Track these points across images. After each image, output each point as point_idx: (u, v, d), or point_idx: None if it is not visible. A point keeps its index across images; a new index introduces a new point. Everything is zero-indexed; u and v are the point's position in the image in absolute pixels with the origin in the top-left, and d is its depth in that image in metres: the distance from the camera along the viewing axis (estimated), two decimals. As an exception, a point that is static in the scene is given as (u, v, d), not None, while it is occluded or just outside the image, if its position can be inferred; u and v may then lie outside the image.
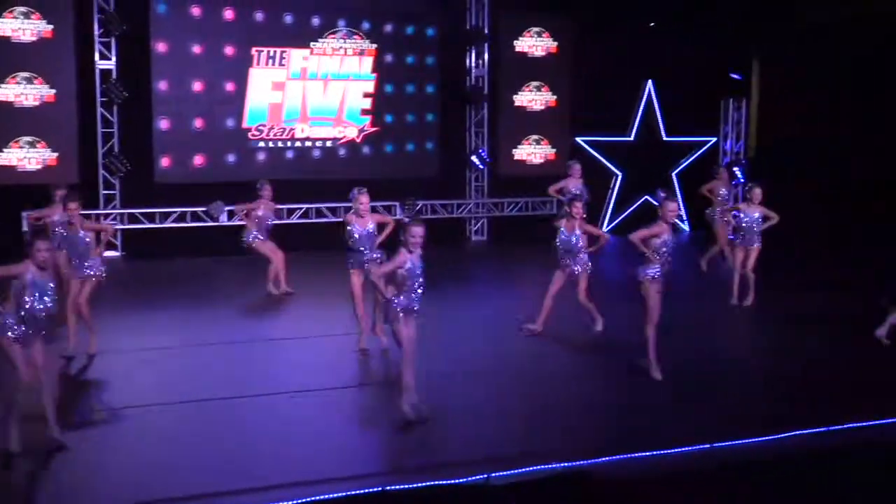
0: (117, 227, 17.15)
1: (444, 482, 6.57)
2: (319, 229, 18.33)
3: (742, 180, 18.64)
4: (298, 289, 14.29)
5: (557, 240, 11.42)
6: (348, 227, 10.35)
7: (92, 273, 10.32)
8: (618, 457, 7.19)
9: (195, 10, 17.73)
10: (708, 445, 7.46)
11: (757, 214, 13.12)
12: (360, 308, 10.46)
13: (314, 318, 12.35)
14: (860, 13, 18.50)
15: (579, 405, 8.74)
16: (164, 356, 10.25)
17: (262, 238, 13.89)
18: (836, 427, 7.86)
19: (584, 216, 11.41)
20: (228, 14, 18.03)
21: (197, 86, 17.94)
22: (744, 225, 13.12)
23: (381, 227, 10.64)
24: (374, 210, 10.72)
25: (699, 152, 21.56)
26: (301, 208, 18.54)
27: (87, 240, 10.26)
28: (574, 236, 11.34)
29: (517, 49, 20.51)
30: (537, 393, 9.07)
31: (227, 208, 16.80)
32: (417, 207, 18.11)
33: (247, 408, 8.53)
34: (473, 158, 20.00)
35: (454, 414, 8.37)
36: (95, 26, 16.96)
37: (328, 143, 19.03)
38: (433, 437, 7.84)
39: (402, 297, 8.20)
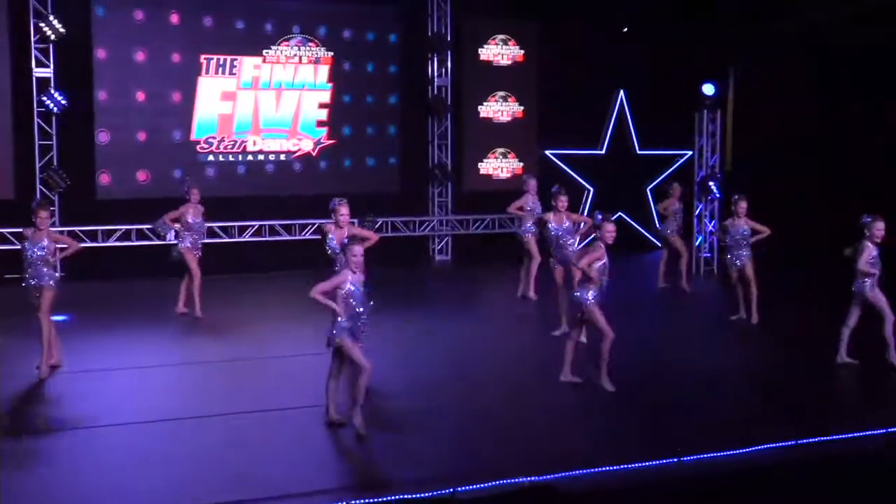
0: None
1: (411, 496, 6.92)
2: (273, 248, 18.55)
3: (718, 195, 18.86)
4: (249, 310, 14.51)
5: (549, 232, 13.00)
6: (328, 237, 10.64)
7: (41, 284, 10.47)
8: (584, 471, 7.55)
9: (138, 14, 17.76)
10: (676, 459, 7.85)
11: (744, 228, 13.56)
12: None
13: (271, 339, 12.63)
14: (837, 18, 19.21)
15: (545, 419, 9.17)
16: (112, 377, 10.54)
17: (191, 247, 13.88)
18: (804, 441, 8.37)
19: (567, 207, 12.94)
20: (174, 18, 18.12)
21: (141, 95, 18.04)
22: (734, 240, 13.59)
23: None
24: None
25: (674, 167, 21.88)
26: (253, 226, 18.71)
27: (42, 252, 10.42)
28: (562, 229, 12.89)
29: (482, 57, 20.79)
30: (503, 407, 9.54)
31: (176, 226, 17.03)
32: (377, 224, 18.02)
33: (198, 428, 8.82)
34: (435, 171, 19.86)
35: (420, 429, 8.80)
36: (32, 31, 16.96)
37: (282, 157, 19.20)
38: (399, 452, 8.21)
39: (344, 320, 8.50)
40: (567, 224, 13.12)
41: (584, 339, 11.16)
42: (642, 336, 12.55)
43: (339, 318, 8.50)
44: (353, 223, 10.51)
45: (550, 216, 13.17)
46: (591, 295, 9.94)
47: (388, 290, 12.42)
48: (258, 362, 11.29)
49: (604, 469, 7.58)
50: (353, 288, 8.52)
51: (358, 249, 8.55)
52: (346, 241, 8.89)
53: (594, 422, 9.14)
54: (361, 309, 8.55)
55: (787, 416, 9.12)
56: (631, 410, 9.39)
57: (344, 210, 10.56)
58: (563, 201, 13.17)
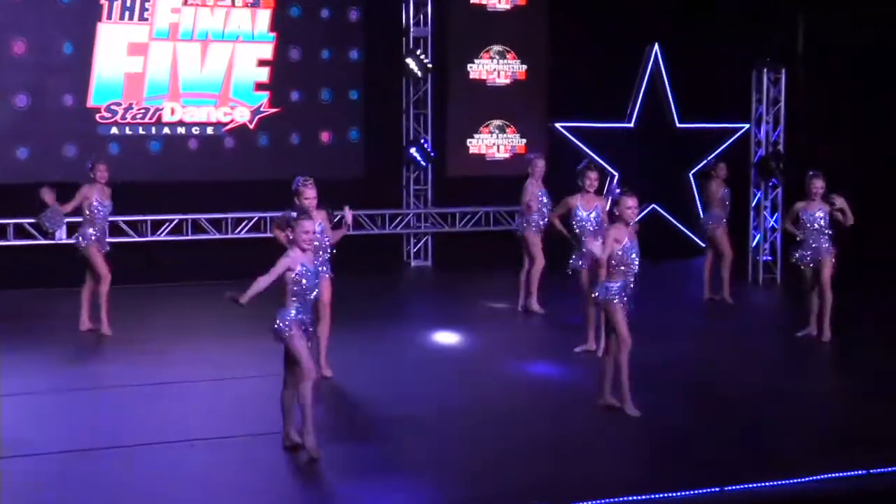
0: None
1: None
2: (198, 250, 18.58)
3: (776, 181, 18.94)
4: (164, 328, 14.91)
5: (574, 220, 13.46)
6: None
7: None
8: (615, 499, 8.35)
9: (15, -61, 17.93)
10: (718, 489, 8.64)
11: (820, 213, 13.83)
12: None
13: (196, 360, 13.15)
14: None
15: (568, 444, 10.02)
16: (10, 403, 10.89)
17: (96, 241, 14.24)
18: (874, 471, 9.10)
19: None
20: (65, -55, 18.26)
21: (19, 46, 17.88)
22: (808, 230, 13.88)
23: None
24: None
25: (726, 144, 21.76)
26: (172, 220, 18.66)
27: None
28: (594, 213, 13.37)
29: (473, 0, 20.70)
30: (517, 432, 10.36)
31: (68, 219, 16.51)
32: (336, 219, 18.08)
33: (122, 459, 9.50)
34: (413, 152, 20.19)
35: (427, 459, 9.68)
36: None
37: (209, 130, 19.17)
38: (401, 481, 9.06)
39: (292, 309, 9.25)
40: (596, 210, 13.43)
41: (580, 349, 12.53)
42: (683, 352, 13.41)
43: (288, 307, 9.22)
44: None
45: (577, 200, 13.45)
46: (613, 288, 10.43)
47: (348, 306, 13.32)
48: (187, 386, 12.02)
49: (636, 498, 8.38)
50: (303, 268, 9.24)
51: (308, 225, 9.30)
52: (319, 231, 10.12)
53: (624, 447, 10.04)
54: (313, 295, 9.40)
55: (849, 447, 9.88)
56: (668, 436, 10.26)
57: (311, 192, 11.16)
58: (593, 179, 13.48)
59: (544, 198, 15.51)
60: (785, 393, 11.72)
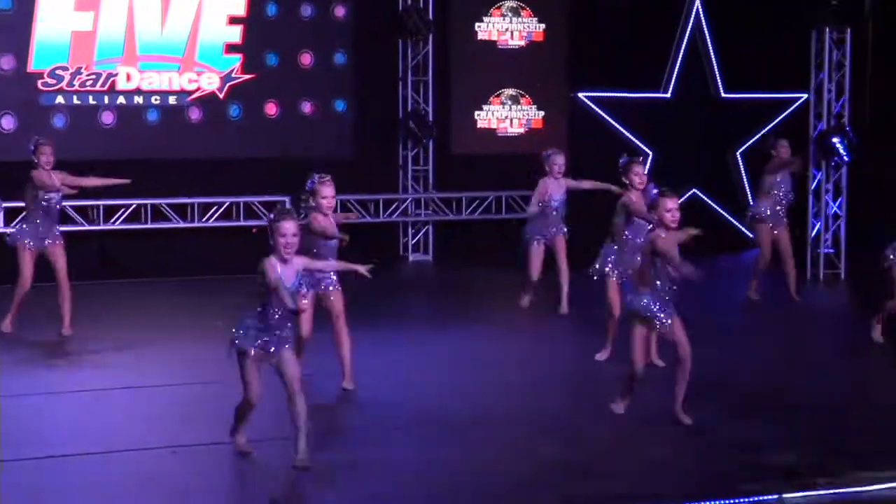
0: None
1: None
2: (159, 240, 18.76)
3: (846, 157, 18.93)
4: (122, 328, 15.00)
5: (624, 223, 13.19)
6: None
7: None
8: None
9: None
10: (777, 496, 8.97)
11: None
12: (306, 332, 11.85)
13: (157, 363, 13.44)
14: None
15: (600, 452, 10.42)
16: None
17: (32, 238, 14.40)
18: None
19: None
20: None
21: None
22: None
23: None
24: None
25: (780, 117, 21.73)
26: (128, 206, 18.66)
27: None
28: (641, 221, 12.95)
29: None
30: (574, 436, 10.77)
31: (5, 204, 17.00)
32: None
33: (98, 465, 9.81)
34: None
35: (437, 466, 9.99)
36: None
37: (171, 100, 19.20)
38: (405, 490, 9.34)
39: (252, 328, 9.40)
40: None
41: (659, 361, 12.45)
42: (728, 358, 13.51)
43: (246, 321, 9.38)
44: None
45: (632, 196, 13.01)
46: (645, 301, 10.69)
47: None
48: (151, 391, 12.38)
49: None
50: (281, 281, 9.25)
51: (288, 226, 9.27)
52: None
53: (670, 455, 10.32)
54: (279, 313, 9.34)
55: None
56: (723, 443, 10.65)
57: (328, 191, 11.64)
58: (639, 174, 13.09)
59: (554, 200, 15.64)
60: (849, 401, 12.05)
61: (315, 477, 9.35)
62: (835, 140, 18.92)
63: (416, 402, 11.84)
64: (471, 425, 11.04)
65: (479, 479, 9.52)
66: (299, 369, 9.55)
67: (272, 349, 9.36)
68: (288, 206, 17.93)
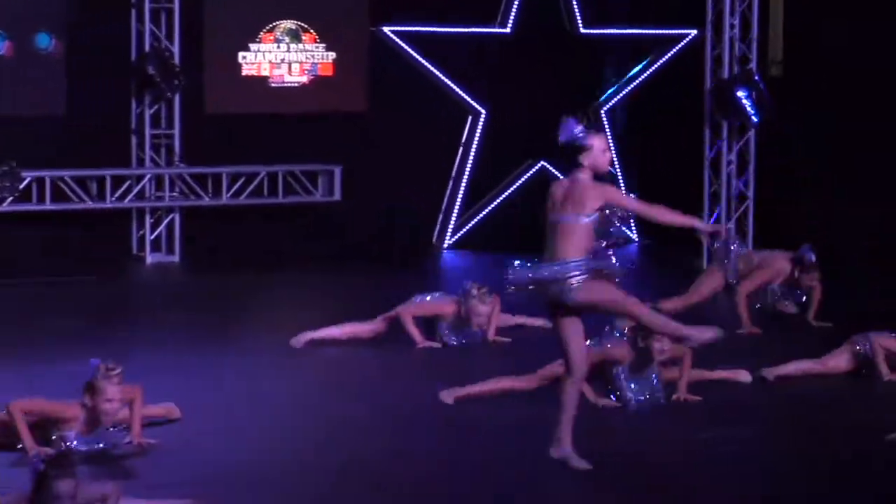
0: None
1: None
2: None
3: (755, 117, 18.20)
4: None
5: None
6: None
7: None
8: None
9: None
10: None
11: None
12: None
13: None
14: None
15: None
16: None
17: None
18: None
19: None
20: None
21: None
22: None
23: None
24: None
25: (660, 61, 20.67)
26: None
27: None
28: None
29: None
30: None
31: None
32: (24, 184, 17.87)
33: None
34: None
35: None
36: None
37: None
38: None
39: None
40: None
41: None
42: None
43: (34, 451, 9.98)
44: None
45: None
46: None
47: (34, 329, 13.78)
48: None
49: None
50: (73, 441, 10.00)
51: (113, 391, 10.00)
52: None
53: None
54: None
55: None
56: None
57: (114, 391, 10.77)
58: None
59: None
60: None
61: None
62: (739, 93, 18.18)
63: (179, 458, 10.78)
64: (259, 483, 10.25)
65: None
66: None
67: None
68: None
